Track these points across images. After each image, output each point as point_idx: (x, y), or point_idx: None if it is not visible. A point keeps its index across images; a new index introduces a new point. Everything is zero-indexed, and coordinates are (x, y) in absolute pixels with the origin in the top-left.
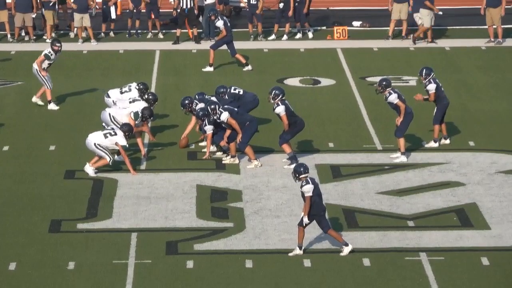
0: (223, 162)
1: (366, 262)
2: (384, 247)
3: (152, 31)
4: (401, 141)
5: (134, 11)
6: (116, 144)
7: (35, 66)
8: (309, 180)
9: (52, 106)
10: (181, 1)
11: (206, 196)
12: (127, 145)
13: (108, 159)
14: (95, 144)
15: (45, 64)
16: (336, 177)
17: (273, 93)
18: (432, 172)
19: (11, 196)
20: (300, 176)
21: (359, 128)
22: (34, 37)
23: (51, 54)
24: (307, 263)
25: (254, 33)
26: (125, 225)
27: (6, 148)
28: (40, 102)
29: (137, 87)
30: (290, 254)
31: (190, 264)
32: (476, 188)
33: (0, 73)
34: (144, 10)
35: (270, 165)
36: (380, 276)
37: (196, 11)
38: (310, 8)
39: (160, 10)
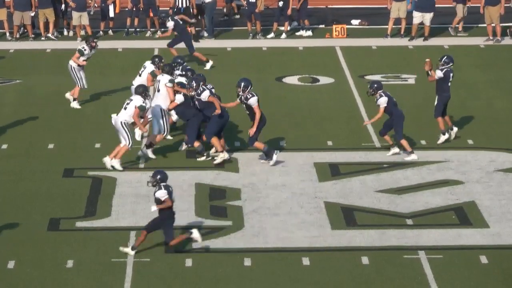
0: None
1: (365, 260)
2: (383, 246)
3: (151, 29)
4: (404, 142)
5: (133, 9)
6: (135, 108)
7: (71, 63)
8: (162, 187)
9: (74, 104)
10: (177, 0)
11: (204, 194)
12: (145, 106)
13: (128, 143)
14: (121, 122)
15: (81, 60)
16: (335, 175)
17: (242, 85)
18: (431, 171)
19: (9, 194)
20: (160, 184)
21: (357, 126)
22: (33, 36)
23: (85, 50)
24: (305, 261)
25: (252, 32)
26: (123, 223)
27: (4, 146)
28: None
29: (150, 61)
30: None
31: (188, 262)
32: (475, 186)
33: None
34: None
35: (268, 163)
36: (378, 274)
37: (194, 10)
38: (308, 7)
39: (160, 9)
